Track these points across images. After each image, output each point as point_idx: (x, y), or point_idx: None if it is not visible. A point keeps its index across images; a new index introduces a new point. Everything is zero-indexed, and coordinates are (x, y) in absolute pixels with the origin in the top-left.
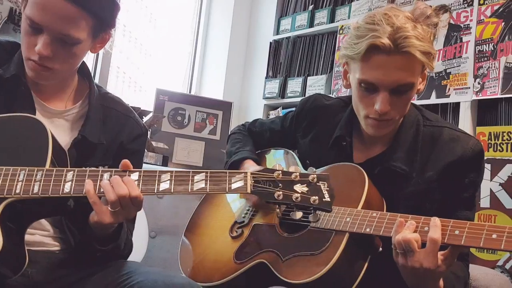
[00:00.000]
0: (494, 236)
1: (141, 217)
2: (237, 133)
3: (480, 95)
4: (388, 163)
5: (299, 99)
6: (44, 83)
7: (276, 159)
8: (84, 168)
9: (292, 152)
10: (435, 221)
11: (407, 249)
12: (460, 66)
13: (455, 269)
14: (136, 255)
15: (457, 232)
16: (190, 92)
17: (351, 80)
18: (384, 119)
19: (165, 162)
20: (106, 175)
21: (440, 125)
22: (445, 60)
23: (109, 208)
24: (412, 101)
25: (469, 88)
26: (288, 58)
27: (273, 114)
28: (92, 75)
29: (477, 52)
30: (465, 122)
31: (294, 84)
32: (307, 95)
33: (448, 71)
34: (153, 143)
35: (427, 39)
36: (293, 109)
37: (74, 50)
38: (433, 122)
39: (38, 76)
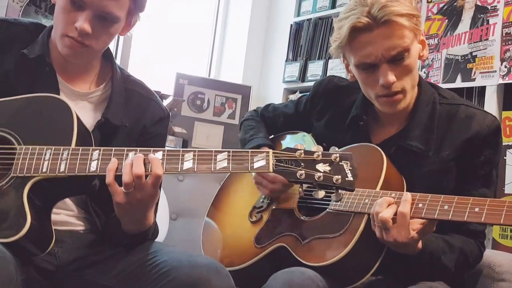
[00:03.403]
0: (476, 209)
1: (162, 199)
2: (250, 120)
3: (507, 78)
4: (404, 142)
5: None
6: (77, 61)
7: (292, 143)
8: (110, 147)
9: (309, 135)
10: (406, 196)
11: (384, 226)
12: (486, 49)
13: (452, 239)
14: (157, 236)
15: (446, 207)
16: (209, 76)
17: (352, 70)
18: (394, 92)
19: (184, 146)
20: (131, 154)
21: (456, 103)
22: (471, 43)
23: (123, 190)
24: (436, 84)
25: (496, 71)
26: (309, 40)
27: (292, 98)
28: None
29: (504, 34)
30: (491, 106)
31: (315, 68)
32: None
33: (474, 54)
34: (173, 127)
35: (404, 3)
36: None
37: (111, 29)
38: (449, 100)
39: (74, 53)
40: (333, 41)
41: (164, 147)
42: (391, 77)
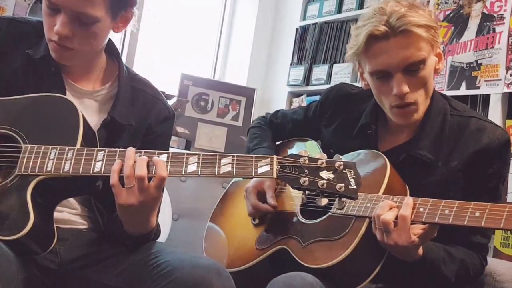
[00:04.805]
0: (477, 214)
1: (165, 199)
2: (256, 127)
3: None
4: (413, 151)
5: (324, 86)
6: (66, 64)
7: (297, 149)
8: (114, 149)
9: (315, 142)
10: (408, 200)
11: (385, 229)
12: (492, 57)
13: (453, 250)
14: (159, 237)
15: (446, 211)
16: (214, 77)
17: (366, 77)
18: (408, 103)
19: (187, 147)
20: (136, 156)
21: (467, 115)
22: (476, 51)
23: (125, 185)
24: (441, 92)
25: (501, 80)
26: (314, 44)
27: (296, 102)
28: None
29: (510, 43)
30: (495, 115)
31: (320, 72)
32: (332, 83)
33: (479, 62)
34: (176, 127)
35: (423, 15)
36: (317, 97)
37: (93, 29)
38: (461, 112)
39: (60, 57)
40: (349, 48)
41: (168, 147)
42: (405, 88)
